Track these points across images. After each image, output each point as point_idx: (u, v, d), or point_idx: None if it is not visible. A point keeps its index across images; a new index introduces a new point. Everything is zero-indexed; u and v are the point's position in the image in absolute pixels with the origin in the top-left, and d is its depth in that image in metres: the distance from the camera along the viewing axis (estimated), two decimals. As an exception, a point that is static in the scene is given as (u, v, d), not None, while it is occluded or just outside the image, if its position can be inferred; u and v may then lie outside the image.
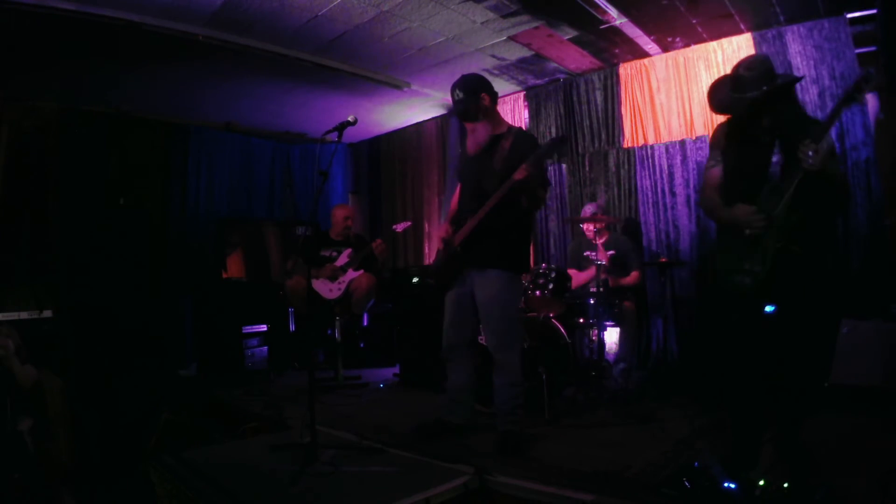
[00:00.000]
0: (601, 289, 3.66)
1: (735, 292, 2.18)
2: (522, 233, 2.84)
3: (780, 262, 2.08)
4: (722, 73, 4.26)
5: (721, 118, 2.43)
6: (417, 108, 5.90)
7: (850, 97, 1.99)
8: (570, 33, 4.27)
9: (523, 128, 5.48)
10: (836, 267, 3.72)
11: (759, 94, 2.12)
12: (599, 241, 4.08)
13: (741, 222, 2.14)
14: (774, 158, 2.15)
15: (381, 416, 3.50)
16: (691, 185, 4.50)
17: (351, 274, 4.61)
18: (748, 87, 2.16)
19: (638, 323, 4.10)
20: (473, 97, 2.75)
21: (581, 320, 3.80)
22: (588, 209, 4.37)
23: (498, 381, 2.79)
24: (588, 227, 4.21)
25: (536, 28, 4.14)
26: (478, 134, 2.82)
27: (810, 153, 1.93)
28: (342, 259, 4.68)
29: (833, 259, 3.74)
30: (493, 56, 4.65)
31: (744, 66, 2.20)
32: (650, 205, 4.70)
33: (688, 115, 4.53)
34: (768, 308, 2.13)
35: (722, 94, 2.29)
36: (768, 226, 2.09)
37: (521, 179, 2.53)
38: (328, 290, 4.59)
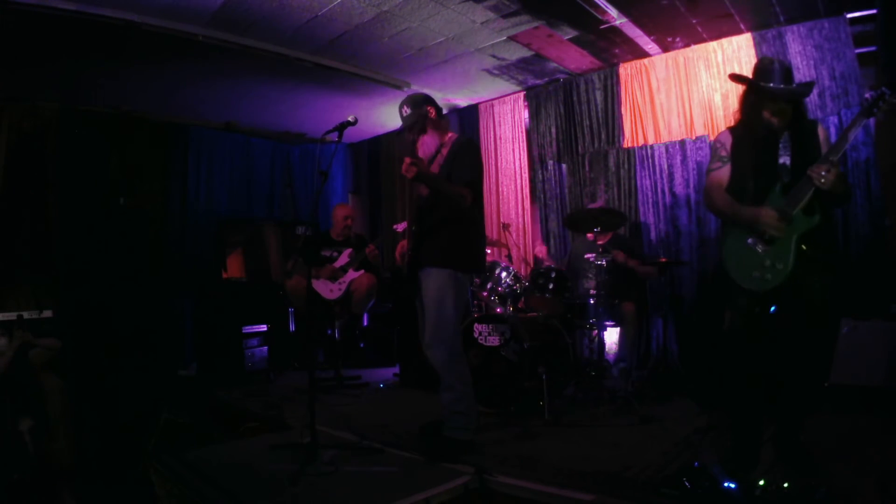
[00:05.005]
0: (602, 291, 3.66)
1: (753, 290, 2.17)
2: (462, 231, 2.79)
3: (798, 260, 2.10)
4: (722, 73, 4.31)
5: (722, 122, 2.45)
6: (417, 108, 5.91)
7: (867, 113, 2.07)
8: (570, 33, 4.27)
9: (523, 127, 5.51)
10: (837, 266, 3.72)
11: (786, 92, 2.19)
12: (601, 242, 4.07)
13: (764, 224, 2.14)
14: (782, 160, 2.20)
15: (381, 416, 3.49)
16: (691, 185, 4.49)
17: (351, 274, 4.62)
18: (772, 77, 2.21)
19: (638, 323, 4.10)
20: (419, 110, 2.84)
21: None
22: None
23: (440, 386, 2.76)
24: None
25: (536, 28, 4.14)
26: (426, 146, 2.87)
27: (823, 173, 2.02)
28: (342, 259, 4.68)
29: (836, 258, 3.74)
30: (493, 56, 4.65)
31: (767, 60, 2.28)
32: (650, 205, 4.70)
33: (688, 115, 4.53)
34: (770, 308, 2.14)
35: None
36: (788, 225, 2.11)
37: (410, 179, 2.60)
38: (328, 290, 4.59)
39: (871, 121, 3.77)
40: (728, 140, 2.36)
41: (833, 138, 2.85)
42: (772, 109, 2.21)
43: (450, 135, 2.94)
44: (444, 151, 2.85)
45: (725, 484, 1.99)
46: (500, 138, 5.69)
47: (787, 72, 2.24)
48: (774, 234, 2.12)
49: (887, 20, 3.36)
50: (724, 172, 2.33)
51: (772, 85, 2.20)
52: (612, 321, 3.93)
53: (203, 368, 5.04)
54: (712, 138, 4.23)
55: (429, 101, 2.90)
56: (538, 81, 5.31)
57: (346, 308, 4.64)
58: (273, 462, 2.56)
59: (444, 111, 6.17)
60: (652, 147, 4.71)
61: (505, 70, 4.99)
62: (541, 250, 4.70)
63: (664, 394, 3.66)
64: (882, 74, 3.41)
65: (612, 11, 3.89)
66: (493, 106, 5.76)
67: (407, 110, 2.85)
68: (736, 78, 2.40)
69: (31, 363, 3.07)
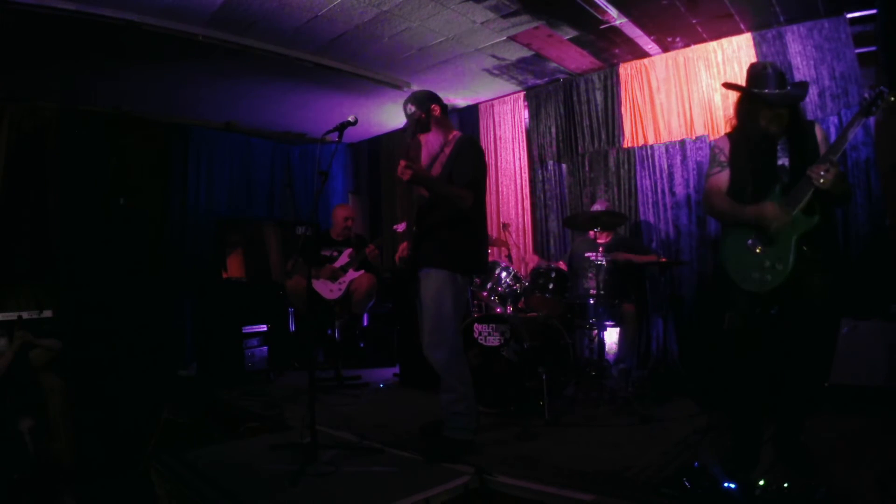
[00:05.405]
0: (602, 291, 3.66)
1: (754, 291, 2.17)
2: (462, 232, 2.76)
3: (798, 260, 2.10)
4: (722, 74, 4.31)
5: (722, 122, 2.46)
6: (417, 107, 5.91)
7: (866, 112, 2.07)
8: (570, 33, 4.27)
9: (523, 127, 5.51)
10: (837, 266, 3.72)
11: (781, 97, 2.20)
12: (601, 241, 4.08)
13: (769, 218, 2.14)
14: (780, 161, 2.21)
15: (381, 416, 3.50)
16: (691, 185, 4.49)
17: (351, 274, 4.62)
18: (767, 83, 2.21)
19: (638, 324, 4.10)
20: (424, 108, 2.82)
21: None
22: (594, 209, 4.37)
23: (440, 386, 2.75)
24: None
25: (536, 28, 4.14)
26: (430, 145, 2.86)
27: (822, 173, 2.02)
28: (343, 259, 4.69)
29: (836, 258, 3.75)
30: (493, 56, 4.65)
31: (760, 65, 2.28)
32: (650, 205, 4.70)
33: (688, 115, 4.53)
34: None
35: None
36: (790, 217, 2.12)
37: (406, 180, 2.54)
38: (329, 290, 4.59)
39: (871, 121, 3.77)
40: (726, 146, 2.36)
41: (832, 138, 2.85)
42: (768, 116, 2.21)
43: (454, 133, 2.91)
44: (448, 150, 2.82)
45: (725, 484, 1.99)
46: (500, 138, 5.69)
47: (780, 76, 2.23)
48: (778, 226, 2.11)
49: (887, 20, 3.36)
50: (723, 176, 2.34)
51: (766, 91, 2.20)
52: (612, 321, 3.93)
53: (203, 368, 5.04)
54: (713, 138, 4.24)
55: (433, 98, 2.88)
56: (538, 81, 5.31)
57: (346, 308, 4.64)
58: (273, 462, 2.56)
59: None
60: (652, 147, 4.71)
61: (505, 70, 4.99)
62: (532, 259, 4.71)
63: (664, 394, 3.66)
64: (882, 74, 3.41)
65: (612, 11, 3.89)
66: (493, 106, 5.76)
67: (411, 108, 2.83)
68: (730, 86, 2.40)
69: (31, 363, 3.08)
